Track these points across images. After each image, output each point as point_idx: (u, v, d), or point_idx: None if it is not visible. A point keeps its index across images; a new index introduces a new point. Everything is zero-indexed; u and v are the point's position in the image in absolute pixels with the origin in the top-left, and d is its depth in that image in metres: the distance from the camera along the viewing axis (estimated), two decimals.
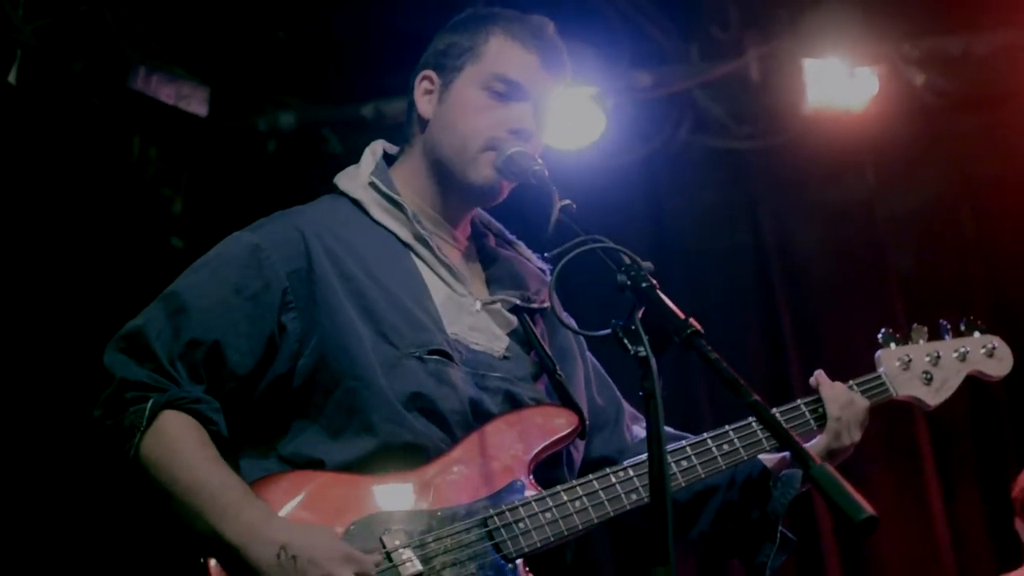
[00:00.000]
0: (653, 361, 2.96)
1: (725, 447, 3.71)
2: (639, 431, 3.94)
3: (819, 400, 3.83)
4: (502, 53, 3.70)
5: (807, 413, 3.83)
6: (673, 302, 3.05)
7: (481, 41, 3.72)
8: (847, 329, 7.38)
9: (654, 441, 2.88)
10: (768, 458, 3.82)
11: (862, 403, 3.85)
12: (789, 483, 3.73)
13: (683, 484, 3.65)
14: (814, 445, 3.79)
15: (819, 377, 3.88)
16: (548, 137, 3.85)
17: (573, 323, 3.76)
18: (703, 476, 3.68)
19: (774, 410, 3.74)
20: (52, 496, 6.56)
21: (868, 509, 2.62)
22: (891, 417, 7.52)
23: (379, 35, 7.08)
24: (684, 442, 3.70)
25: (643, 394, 2.93)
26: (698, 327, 2.99)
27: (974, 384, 7.34)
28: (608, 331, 3.08)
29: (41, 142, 6.59)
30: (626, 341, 3.02)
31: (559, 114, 6.87)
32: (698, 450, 3.68)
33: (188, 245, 7.24)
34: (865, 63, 7.26)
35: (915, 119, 7.50)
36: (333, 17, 7.25)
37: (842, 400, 3.81)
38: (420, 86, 3.78)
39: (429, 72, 3.77)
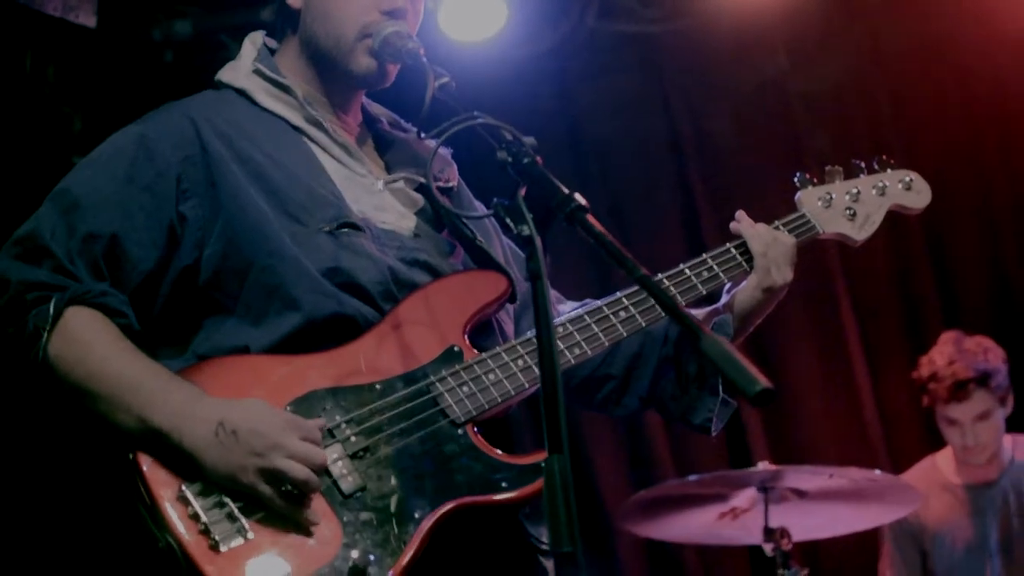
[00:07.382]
0: (538, 240, 2.83)
1: (622, 314, 3.56)
2: (564, 310, 3.75)
3: (745, 242, 3.74)
4: None
5: (737, 255, 3.72)
6: (587, 192, 2.91)
7: None
8: (764, 210, 7.23)
9: (542, 324, 2.74)
10: (700, 312, 3.73)
11: (787, 239, 3.75)
12: (722, 328, 3.63)
13: (590, 354, 3.50)
14: (745, 286, 3.69)
15: (740, 217, 3.79)
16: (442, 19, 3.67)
17: (449, 204, 3.65)
18: (606, 344, 3.53)
19: (704, 255, 3.69)
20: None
21: (763, 381, 2.50)
22: (815, 298, 7.51)
23: None
24: (583, 310, 3.55)
25: (529, 275, 2.80)
26: (583, 201, 2.86)
27: (900, 260, 7.38)
28: (491, 212, 2.96)
29: None
30: (509, 220, 2.90)
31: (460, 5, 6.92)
32: (597, 317, 3.54)
33: None
34: None
35: None
36: None
37: (766, 238, 3.72)
38: None
39: None
